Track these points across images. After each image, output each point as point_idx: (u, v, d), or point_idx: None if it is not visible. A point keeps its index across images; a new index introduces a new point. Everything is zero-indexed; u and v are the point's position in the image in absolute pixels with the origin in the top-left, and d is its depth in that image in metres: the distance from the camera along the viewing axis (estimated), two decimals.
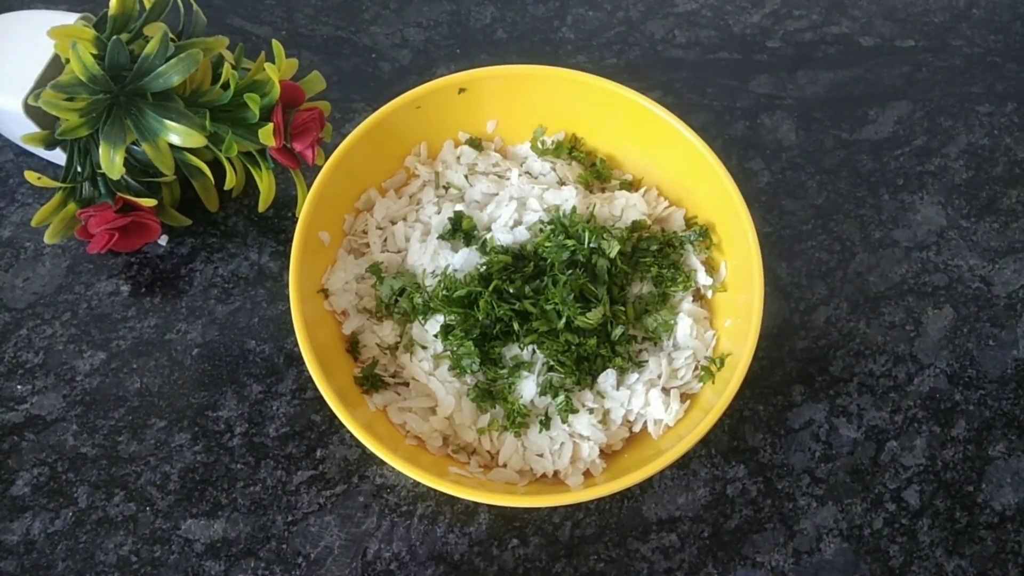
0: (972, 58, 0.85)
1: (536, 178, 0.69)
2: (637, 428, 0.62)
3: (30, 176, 0.62)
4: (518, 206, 0.66)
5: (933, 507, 0.66)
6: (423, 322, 0.62)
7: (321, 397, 0.57)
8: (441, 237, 0.65)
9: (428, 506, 0.64)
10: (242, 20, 0.83)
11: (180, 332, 0.70)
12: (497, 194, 0.67)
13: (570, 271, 0.61)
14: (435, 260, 0.64)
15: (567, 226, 0.63)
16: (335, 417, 0.57)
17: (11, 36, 0.67)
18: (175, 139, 0.60)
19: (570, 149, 0.71)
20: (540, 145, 0.70)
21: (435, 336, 0.62)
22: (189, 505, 0.64)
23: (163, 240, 0.72)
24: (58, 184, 0.64)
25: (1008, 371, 0.71)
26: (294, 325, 0.58)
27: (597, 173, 0.70)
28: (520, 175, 0.68)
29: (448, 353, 0.61)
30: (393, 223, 0.68)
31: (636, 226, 0.66)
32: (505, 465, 0.61)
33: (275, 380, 0.68)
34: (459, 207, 0.66)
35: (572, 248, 0.61)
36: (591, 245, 0.61)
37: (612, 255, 0.61)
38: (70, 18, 0.67)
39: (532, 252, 0.63)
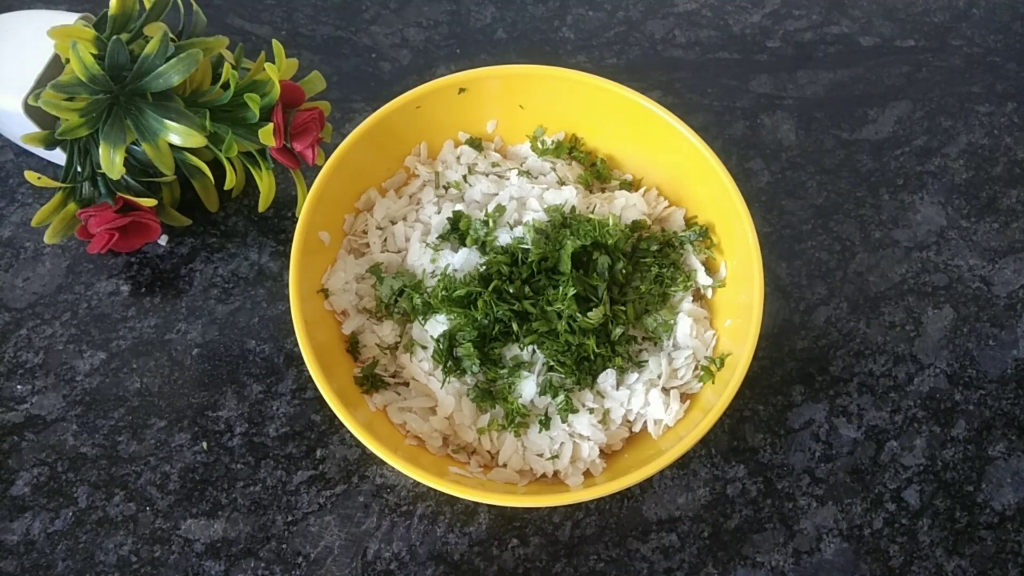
0: (972, 58, 0.85)
1: (536, 178, 0.69)
2: (637, 428, 0.62)
3: (30, 176, 0.62)
4: (518, 206, 0.66)
5: (933, 507, 0.66)
6: (423, 322, 0.62)
7: (321, 397, 0.58)
8: (441, 237, 0.65)
9: (428, 506, 0.64)
10: (242, 20, 0.83)
11: (180, 332, 0.70)
12: (497, 194, 0.67)
13: (571, 270, 0.61)
14: (435, 260, 0.64)
15: (567, 218, 0.63)
16: (335, 417, 0.57)
17: (11, 36, 0.67)
18: (175, 139, 0.60)
19: (570, 149, 0.71)
20: (540, 145, 0.70)
21: (434, 338, 0.62)
22: (189, 505, 0.64)
23: (163, 240, 0.72)
24: (58, 184, 0.64)
25: (1008, 371, 0.71)
26: (294, 325, 0.58)
27: (597, 173, 0.70)
28: (520, 175, 0.68)
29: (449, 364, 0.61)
30: (393, 223, 0.68)
31: (636, 226, 0.66)
32: (505, 465, 0.61)
33: (275, 380, 0.68)
34: (459, 207, 0.66)
35: (573, 242, 0.61)
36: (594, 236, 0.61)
37: (611, 242, 0.61)
38: (70, 18, 0.67)
39: (532, 251, 0.63)
